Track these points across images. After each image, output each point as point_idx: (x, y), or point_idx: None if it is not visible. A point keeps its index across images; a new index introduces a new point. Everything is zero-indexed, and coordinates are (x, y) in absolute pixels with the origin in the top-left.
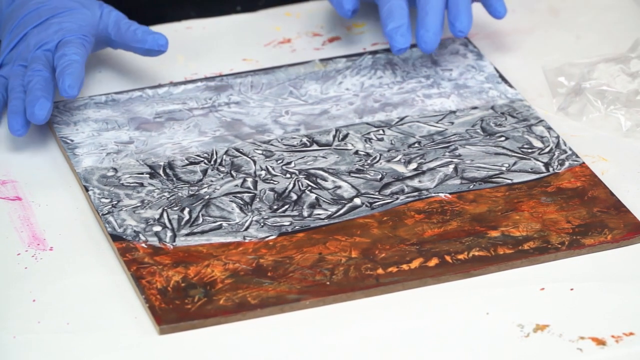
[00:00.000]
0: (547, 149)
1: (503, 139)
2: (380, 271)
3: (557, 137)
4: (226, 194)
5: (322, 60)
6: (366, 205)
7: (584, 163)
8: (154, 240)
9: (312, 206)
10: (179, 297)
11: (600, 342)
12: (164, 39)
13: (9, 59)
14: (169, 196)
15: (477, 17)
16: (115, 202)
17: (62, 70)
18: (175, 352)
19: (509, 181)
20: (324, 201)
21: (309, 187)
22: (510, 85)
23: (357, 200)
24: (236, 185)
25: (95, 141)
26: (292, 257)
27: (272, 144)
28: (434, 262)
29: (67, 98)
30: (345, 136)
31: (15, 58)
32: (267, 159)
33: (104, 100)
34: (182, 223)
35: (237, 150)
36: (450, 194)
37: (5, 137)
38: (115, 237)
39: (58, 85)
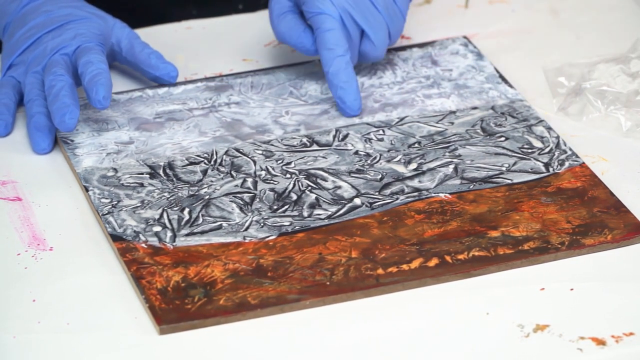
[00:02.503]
0: (547, 149)
1: (503, 139)
2: (380, 271)
3: (557, 137)
4: (226, 194)
5: None
6: (366, 206)
7: (584, 163)
8: (154, 241)
9: (312, 206)
10: (179, 297)
11: (600, 342)
12: (176, 71)
13: (20, 60)
14: (169, 196)
15: (477, 17)
16: (115, 202)
17: (93, 79)
18: (175, 352)
19: (509, 181)
20: (324, 201)
21: (309, 187)
22: (510, 85)
23: (357, 201)
24: (236, 186)
25: (95, 141)
26: (292, 257)
27: (272, 144)
28: (434, 262)
29: (98, 108)
30: (345, 136)
31: (29, 62)
32: (267, 159)
33: None
34: (182, 223)
35: (237, 150)
36: (450, 194)
37: (5, 137)
38: (115, 237)
39: (90, 95)
